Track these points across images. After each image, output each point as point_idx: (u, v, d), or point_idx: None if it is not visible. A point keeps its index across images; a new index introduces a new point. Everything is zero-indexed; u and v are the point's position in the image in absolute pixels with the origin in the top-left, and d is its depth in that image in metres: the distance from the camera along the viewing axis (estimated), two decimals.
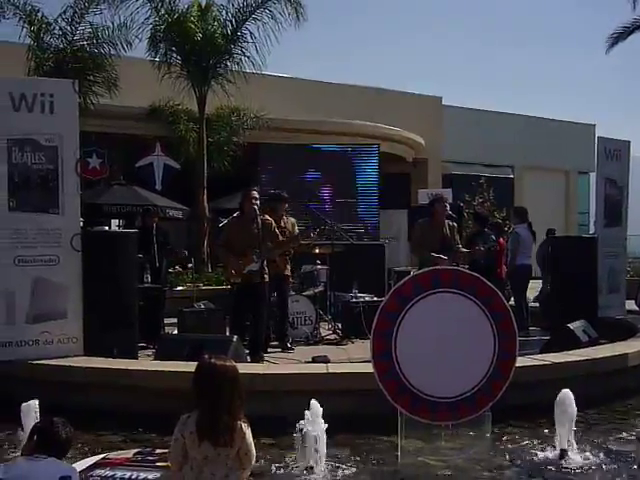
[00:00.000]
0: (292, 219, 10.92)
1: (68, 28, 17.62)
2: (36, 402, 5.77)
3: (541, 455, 5.92)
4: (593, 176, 11.04)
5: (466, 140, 29.25)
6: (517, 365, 5.94)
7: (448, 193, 18.45)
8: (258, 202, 9.20)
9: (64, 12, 17.44)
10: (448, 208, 10.64)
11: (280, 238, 9.41)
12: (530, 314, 12.19)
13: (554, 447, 5.93)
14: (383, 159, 17.54)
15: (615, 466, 5.66)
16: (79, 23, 17.67)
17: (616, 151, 11.46)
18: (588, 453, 5.91)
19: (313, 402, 5.52)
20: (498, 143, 30.56)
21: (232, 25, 18.20)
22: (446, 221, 10.22)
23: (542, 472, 5.58)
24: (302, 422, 5.41)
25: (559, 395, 5.88)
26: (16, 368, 7.53)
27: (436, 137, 27.39)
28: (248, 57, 18.09)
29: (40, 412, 5.65)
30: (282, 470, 5.54)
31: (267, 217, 9.35)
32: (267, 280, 9.14)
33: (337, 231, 12.21)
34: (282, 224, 10.19)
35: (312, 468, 5.41)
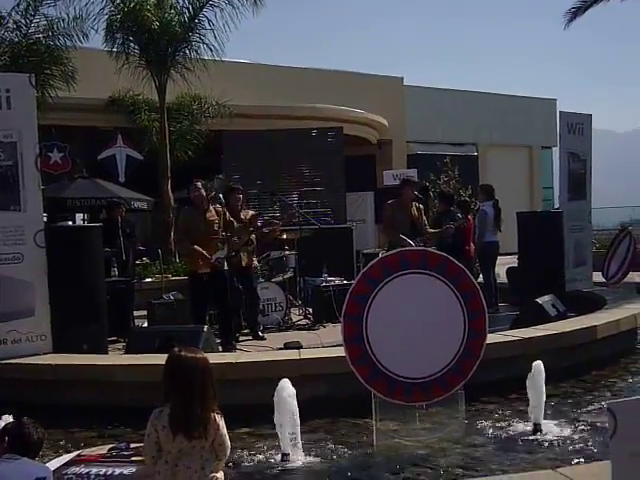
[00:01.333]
0: (251, 211, 10.79)
1: (22, 21, 17.32)
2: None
3: (515, 430, 5.97)
4: (556, 151, 11.13)
5: (429, 120, 29.34)
6: (488, 342, 5.97)
7: (413, 173, 18.50)
8: (203, 192, 9.23)
9: (17, 5, 17.14)
10: (415, 189, 10.64)
11: (235, 225, 9.47)
12: (498, 290, 12.28)
13: (527, 422, 6.00)
14: (347, 142, 17.54)
15: (588, 437, 5.72)
16: (33, 16, 17.36)
17: (578, 125, 11.55)
18: (561, 426, 5.98)
19: (283, 381, 5.52)
20: (461, 121, 30.68)
21: (189, 12, 18.02)
22: (413, 202, 10.23)
23: (517, 447, 5.63)
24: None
25: (532, 366, 5.94)
26: None
27: (399, 118, 27.42)
28: (207, 44, 17.94)
29: (11, 412, 5.58)
30: (258, 458, 5.53)
31: (217, 206, 9.44)
32: (226, 267, 9.19)
33: (303, 216, 12.18)
34: (242, 217, 10.10)
35: (288, 455, 5.42)
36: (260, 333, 10.01)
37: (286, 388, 5.48)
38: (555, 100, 34.91)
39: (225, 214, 9.38)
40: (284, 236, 11.41)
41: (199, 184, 9.35)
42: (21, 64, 16.45)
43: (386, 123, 26.26)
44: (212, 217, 9.15)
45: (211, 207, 9.27)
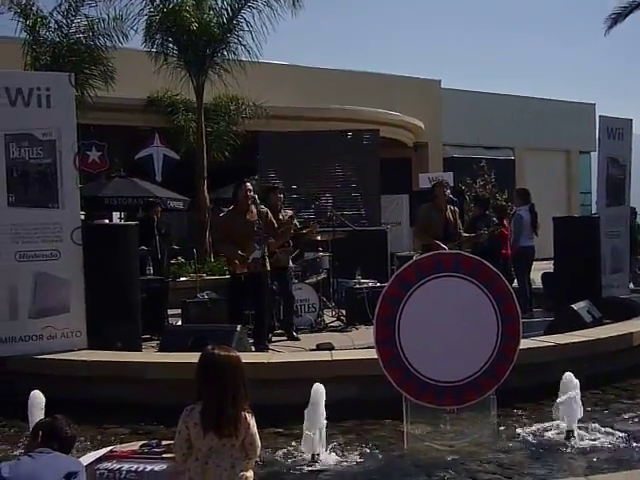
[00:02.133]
0: (289, 211, 10.83)
1: (64, 21, 17.57)
2: (41, 395, 5.77)
3: (547, 436, 5.91)
4: (594, 155, 10.98)
5: (466, 123, 29.17)
6: (521, 347, 5.92)
7: (449, 176, 18.42)
8: (251, 193, 9.20)
9: (59, 5, 17.40)
10: (449, 192, 10.61)
11: (276, 226, 9.40)
12: (534, 295, 12.17)
13: (560, 428, 5.93)
14: (383, 144, 17.51)
15: (621, 446, 5.65)
16: (74, 16, 17.60)
17: (618, 130, 11.41)
18: (595, 433, 5.91)
19: (315, 386, 5.52)
20: (498, 125, 30.47)
21: (228, 13, 18.10)
22: (448, 205, 10.20)
23: (549, 453, 5.58)
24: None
25: (563, 377, 5.88)
26: (20, 363, 7.53)
27: (436, 121, 27.33)
28: (244, 45, 18.00)
29: (45, 407, 5.65)
30: (288, 459, 5.54)
31: (262, 206, 9.37)
32: (269, 268, 9.15)
33: (338, 218, 12.16)
34: (280, 217, 10.12)
35: (318, 455, 5.42)
36: (294, 334, 10.01)
37: (319, 391, 5.47)
38: (594, 104, 34.53)
39: (267, 215, 9.30)
40: (318, 237, 11.40)
41: (249, 184, 9.30)
42: (61, 64, 16.67)
43: (422, 126, 26.18)
44: (252, 218, 9.03)
45: (253, 207, 9.15)
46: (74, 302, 7.90)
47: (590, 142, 28.20)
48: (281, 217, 10.12)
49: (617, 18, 19.40)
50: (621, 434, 5.91)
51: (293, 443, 5.77)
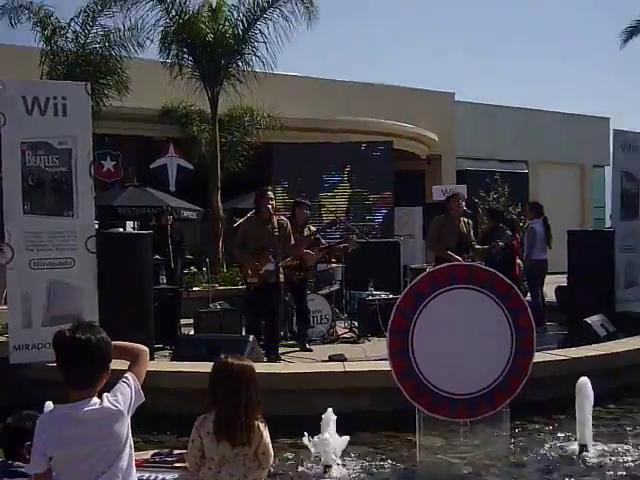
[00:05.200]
0: (313, 227, 10.78)
1: (81, 31, 17.65)
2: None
3: (561, 450, 5.88)
4: (608, 169, 10.94)
5: (480, 136, 29.11)
6: (535, 361, 5.90)
7: (463, 189, 18.39)
8: (273, 202, 9.19)
9: (77, 15, 17.48)
10: (464, 205, 10.59)
11: (292, 241, 9.35)
12: (548, 309, 12.13)
13: (574, 442, 5.90)
14: (397, 156, 17.49)
15: (635, 460, 5.61)
16: (92, 26, 17.68)
17: (632, 143, 11.38)
18: (608, 448, 5.87)
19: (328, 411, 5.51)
20: (512, 138, 30.40)
21: (243, 25, 18.16)
22: (462, 218, 10.20)
23: (562, 467, 5.54)
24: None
25: (578, 383, 5.85)
26: (34, 371, 7.55)
27: (449, 133, 27.29)
28: (259, 57, 18.06)
29: None
30: (300, 469, 5.52)
31: (282, 218, 9.33)
32: (282, 280, 9.13)
33: (353, 230, 12.15)
34: (305, 232, 10.11)
35: (330, 467, 5.40)
36: (307, 345, 9.98)
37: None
38: (608, 119, 34.43)
39: (287, 227, 9.26)
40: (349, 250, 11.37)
41: (270, 194, 9.29)
42: (77, 73, 16.74)
43: (436, 138, 26.16)
44: (273, 228, 8.98)
45: (274, 218, 9.11)
46: (87, 310, 7.90)
47: (604, 156, 28.08)
48: (306, 232, 10.11)
49: (633, 31, 19.38)
50: (633, 448, 5.88)
51: (306, 454, 5.76)
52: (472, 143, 28.62)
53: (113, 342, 3.24)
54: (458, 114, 27.97)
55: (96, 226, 8.95)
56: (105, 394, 3.16)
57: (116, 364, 3.21)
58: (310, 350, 9.82)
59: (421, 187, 25.77)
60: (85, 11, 17.38)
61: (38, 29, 17.47)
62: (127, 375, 3.29)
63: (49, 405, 5.72)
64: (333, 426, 5.44)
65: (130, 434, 3.20)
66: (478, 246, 10.35)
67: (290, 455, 5.80)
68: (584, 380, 5.89)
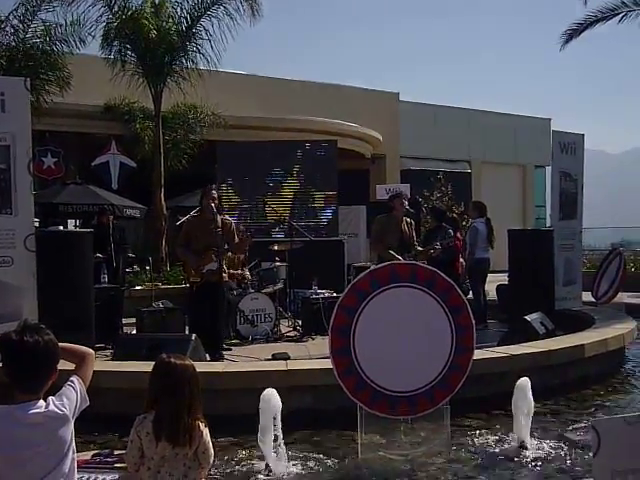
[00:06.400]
0: (228, 217, 10.63)
1: (20, 26, 17.32)
2: None
3: (500, 447, 5.97)
4: (549, 170, 11.15)
5: (423, 136, 29.40)
6: (475, 357, 5.98)
7: (406, 188, 18.55)
8: (217, 201, 9.16)
9: (16, 9, 17.16)
10: (407, 204, 10.69)
11: (237, 240, 9.33)
12: (489, 307, 12.29)
13: (513, 439, 5.99)
14: (342, 155, 17.56)
15: (573, 455, 5.72)
16: (31, 20, 17.37)
17: (570, 144, 11.61)
18: (546, 443, 5.98)
19: (268, 390, 5.47)
20: (455, 138, 30.75)
21: (187, 22, 18.07)
22: (404, 218, 10.28)
23: (501, 463, 5.62)
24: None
25: (517, 384, 5.94)
26: None
27: (394, 133, 27.50)
28: (203, 54, 17.97)
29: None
30: (241, 468, 5.51)
31: (227, 217, 9.32)
32: (226, 279, 9.11)
33: (295, 227, 12.17)
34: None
35: (271, 465, 5.40)
36: (224, 345, 9.63)
37: (272, 397, 5.44)
38: (549, 119, 35.05)
39: (231, 226, 9.26)
40: (275, 247, 11.40)
41: (214, 192, 9.25)
42: (17, 68, 16.45)
43: (380, 138, 26.33)
44: (216, 227, 8.95)
45: (219, 217, 9.09)
46: (27, 309, 7.78)
47: (545, 156, 28.54)
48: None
49: (572, 34, 19.67)
50: (571, 444, 5.99)
51: (246, 453, 5.76)
52: (416, 143, 28.88)
53: (60, 344, 3.19)
54: (402, 114, 28.18)
55: (36, 224, 8.82)
56: (51, 397, 3.12)
57: (61, 364, 3.16)
58: (229, 349, 9.59)
59: (365, 186, 25.93)
60: (24, 4, 17.06)
61: None
62: (73, 379, 3.25)
63: None
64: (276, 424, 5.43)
65: (73, 439, 3.16)
66: (420, 247, 10.45)
67: (231, 454, 5.79)
68: (524, 379, 5.98)
